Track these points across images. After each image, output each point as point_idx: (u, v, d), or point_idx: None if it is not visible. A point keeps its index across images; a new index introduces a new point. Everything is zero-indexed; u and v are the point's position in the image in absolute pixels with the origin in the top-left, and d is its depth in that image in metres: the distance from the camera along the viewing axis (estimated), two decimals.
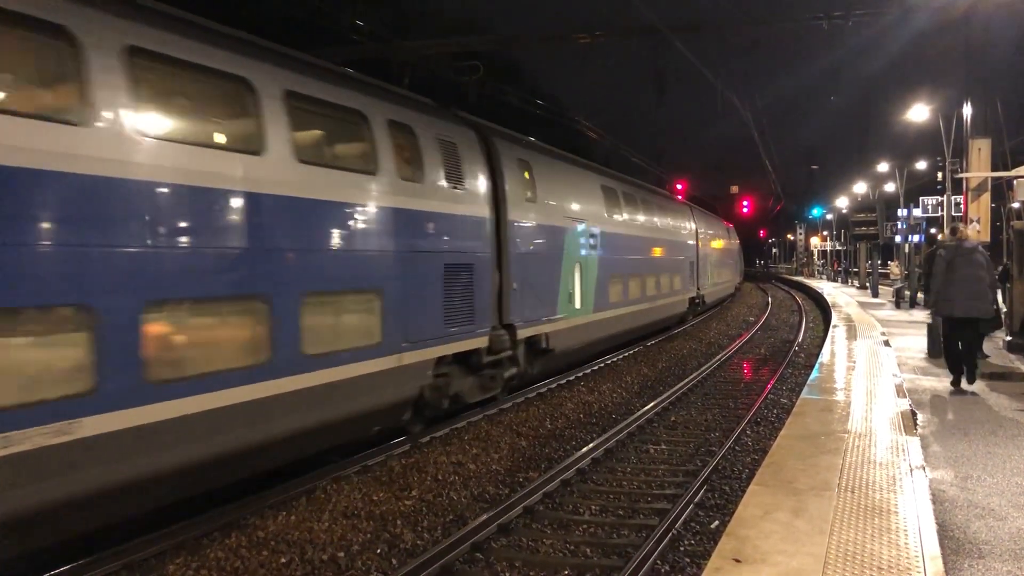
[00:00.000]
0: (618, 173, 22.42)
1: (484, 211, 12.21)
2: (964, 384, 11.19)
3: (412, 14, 40.34)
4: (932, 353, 12.68)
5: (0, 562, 5.94)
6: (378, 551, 7.23)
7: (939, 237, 14.37)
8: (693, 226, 29.60)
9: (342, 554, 7.14)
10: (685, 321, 28.31)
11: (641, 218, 21.67)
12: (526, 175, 13.95)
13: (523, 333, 13.40)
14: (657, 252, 23.25)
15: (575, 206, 16.32)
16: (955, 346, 11.16)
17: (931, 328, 12.67)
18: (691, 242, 28.92)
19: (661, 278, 23.35)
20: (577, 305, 15.92)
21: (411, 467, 9.79)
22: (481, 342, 11.96)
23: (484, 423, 12.26)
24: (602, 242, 17.58)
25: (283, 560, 6.99)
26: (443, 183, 11.12)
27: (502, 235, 12.75)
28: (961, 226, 11.86)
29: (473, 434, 11.57)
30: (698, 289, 29.46)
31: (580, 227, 16.34)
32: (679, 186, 44.91)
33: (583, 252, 16.43)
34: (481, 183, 12.21)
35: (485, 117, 14.60)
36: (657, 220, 23.65)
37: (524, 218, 13.62)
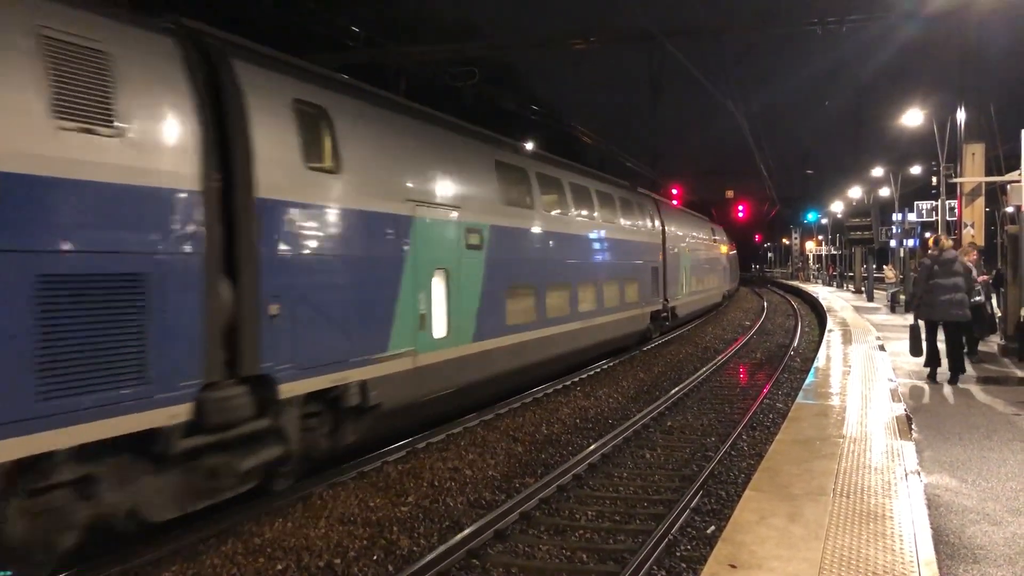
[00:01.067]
0: (542, 152, 17.90)
1: (185, 177, 7.08)
2: (944, 382, 12.19)
3: (407, 19, 40.37)
4: (913, 352, 13.30)
5: (7, 565, 5.90)
6: (374, 557, 7.23)
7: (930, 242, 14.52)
8: (658, 225, 24.47)
9: (338, 560, 7.13)
10: (648, 340, 23.46)
11: (569, 211, 16.80)
12: (317, 129, 9.12)
13: (296, 387, 8.30)
14: (597, 255, 18.46)
15: (440, 187, 11.34)
16: (934, 345, 12.50)
17: (913, 329, 13.34)
18: (654, 244, 23.84)
19: (605, 288, 18.54)
20: (439, 333, 11.13)
21: (407, 473, 9.78)
22: (171, 414, 6.87)
23: (480, 429, 12.26)
24: (495, 241, 12.83)
25: (279, 567, 6.98)
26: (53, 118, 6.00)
27: (241, 223, 7.71)
28: (943, 237, 12.79)
29: (469, 439, 11.56)
30: (665, 300, 24.69)
31: (448, 218, 11.45)
32: (675, 191, 44.85)
33: (453, 255, 11.56)
34: (175, 127, 7.06)
35: (481, 122, 14.60)
36: (598, 215, 18.58)
37: (304, 196, 8.58)
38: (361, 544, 7.50)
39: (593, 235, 18.27)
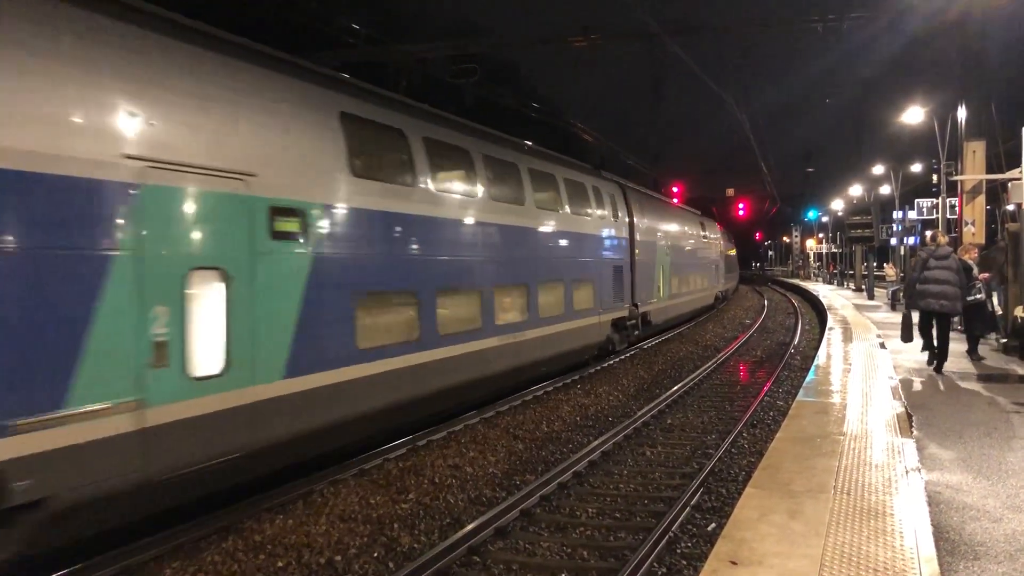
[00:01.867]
0: (436, 111, 12.59)
1: None
2: (932, 369, 12.98)
3: (407, 17, 40.36)
4: (904, 339, 13.94)
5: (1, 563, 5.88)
6: (375, 554, 7.24)
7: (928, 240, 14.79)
8: (623, 216, 20.58)
9: (339, 558, 7.14)
10: (611, 352, 19.83)
11: (480, 192, 12.95)
12: None
13: None
14: (527, 251, 14.55)
15: (211, 140, 7.63)
16: (928, 333, 13.24)
17: (905, 318, 13.90)
18: (618, 238, 19.99)
19: (541, 292, 14.79)
20: (203, 369, 7.26)
21: (408, 470, 9.79)
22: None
23: (481, 426, 12.26)
24: (333, 228, 9.16)
25: (280, 564, 6.99)
26: None
27: None
28: (939, 234, 13.40)
29: (470, 437, 11.57)
30: (634, 305, 20.99)
31: (225, 191, 7.62)
32: (675, 189, 44.78)
33: (238, 248, 7.72)
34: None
35: (481, 120, 14.56)
36: (531, 199, 14.76)
37: None
38: (362, 541, 7.51)
39: (521, 224, 14.19)
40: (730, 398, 14.75)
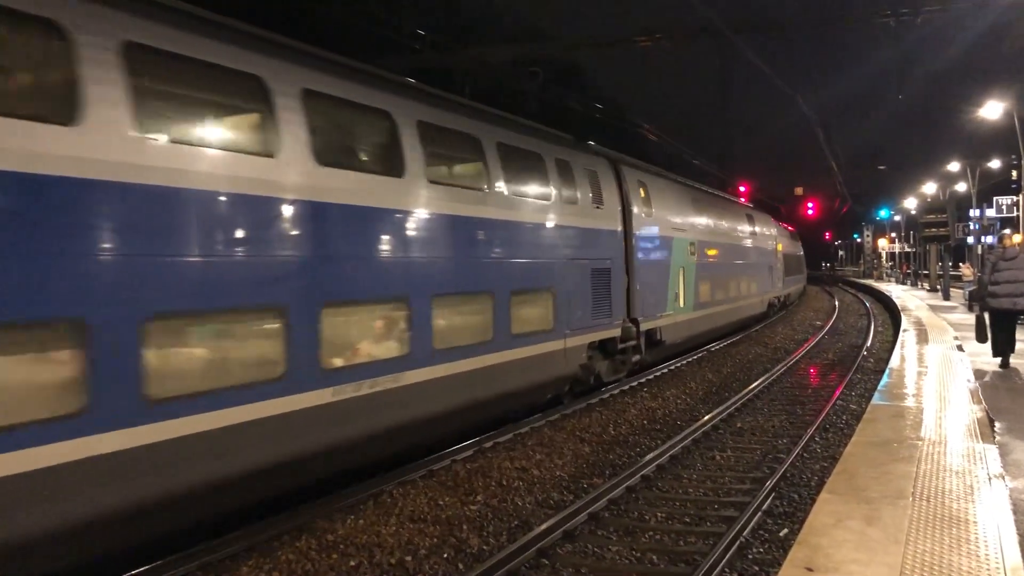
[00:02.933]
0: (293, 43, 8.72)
1: None
2: (999, 365, 13.18)
3: (471, 22, 40.62)
4: (979, 339, 14.07)
5: (84, 560, 6.12)
6: (445, 555, 7.29)
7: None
8: (613, 202, 15.42)
9: (409, 558, 7.22)
10: (595, 388, 14.97)
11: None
12: None
13: None
14: (446, 250, 10.34)
15: None
16: (998, 333, 13.22)
17: (979, 319, 14.18)
18: (606, 231, 14.98)
19: (434, 310, 9.84)
20: None
21: (476, 472, 9.85)
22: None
23: (547, 429, 12.27)
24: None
25: (352, 563, 7.10)
26: None
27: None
28: (1007, 236, 13.88)
29: (536, 440, 11.58)
30: (631, 321, 15.80)
31: None
32: (742, 188, 44.12)
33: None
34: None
35: (545, 122, 14.60)
36: (416, 167, 9.71)
37: None
38: (431, 542, 7.58)
39: (392, 207, 9.30)
40: (801, 401, 14.48)
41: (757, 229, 30.55)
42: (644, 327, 16.47)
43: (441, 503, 8.69)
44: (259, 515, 7.80)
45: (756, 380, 16.40)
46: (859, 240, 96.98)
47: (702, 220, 21.95)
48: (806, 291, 53.42)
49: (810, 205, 62.97)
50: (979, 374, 12.56)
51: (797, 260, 45.41)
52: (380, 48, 20.32)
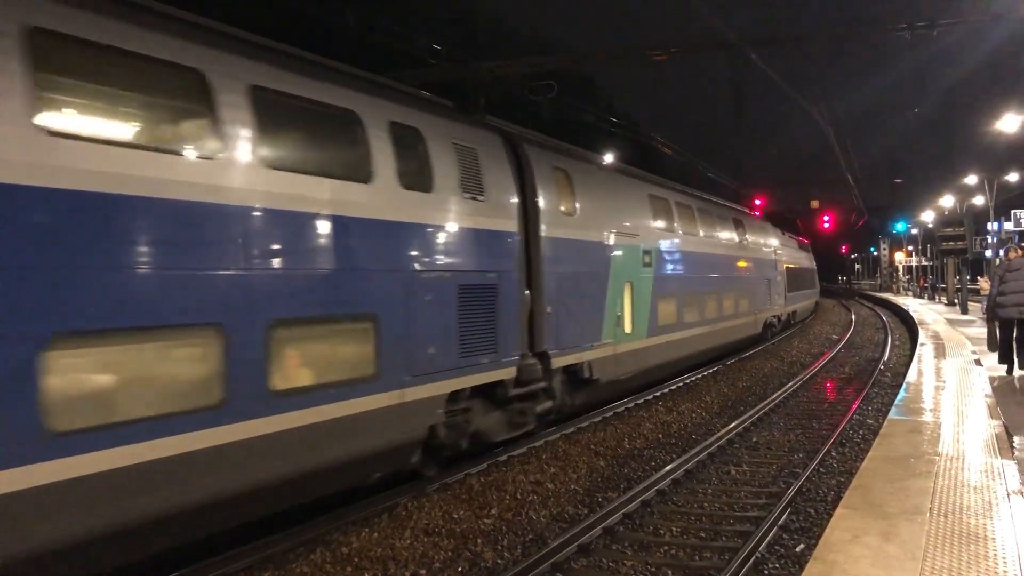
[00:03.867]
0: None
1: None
2: (1015, 372, 13.58)
3: (485, 35, 40.83)
4: (990, 347, 14.98)
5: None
6: (459, 569, 7.29)
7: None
8: (503, 192, 11.39)
9: (424, 571, 7.22)
10: (449, 461, 10.64)
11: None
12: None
13: None
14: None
15: None
16: (1005, 341, 13.73)
17: (990, 331, 15.13)
18: (485, 231, 10.79)
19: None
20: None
21: (490, 485, 9.84)
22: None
23: (562, 442, 12.25)
24: None
25: None
26: None
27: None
28: (1012, 249, 14.63)
29: (551, 453, 11.57)
30: (537, 357, 11.84)
31: None
32: (757, 202, 43.93)
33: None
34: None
35: (559, 136, 14.68)
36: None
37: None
38: (446, 555, 7.58)
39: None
40: (817, 416, 14.39)
41: (749, 238, 26.10)
42: (560, 363, 12.26)
43: (455, 516, 8.69)
44: (274, 528, 7.82)
45: (772, 394, 16.32)
46: (876, 253, 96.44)
47: (664, 223, 17.52)
48: (819, 307, 50.21)
49: (826, 218, 62.73)
50: (992, 383, 12.45)
51: (807, 274, 41.43)
52: (396, 62, 20.45)
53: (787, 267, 32.61)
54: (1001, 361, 13.87)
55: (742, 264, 24.71)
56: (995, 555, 5.09)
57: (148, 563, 6.64)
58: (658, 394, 16.57)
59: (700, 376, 19.40)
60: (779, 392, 16.49)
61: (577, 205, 13.19)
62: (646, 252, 16.03)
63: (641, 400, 15.77)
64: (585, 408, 14.03)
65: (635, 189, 16.83)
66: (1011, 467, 7.38)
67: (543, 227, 11.96)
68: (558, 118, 24.69)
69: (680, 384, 18.00)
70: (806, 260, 42.42)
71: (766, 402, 15.21)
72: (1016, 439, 8.82)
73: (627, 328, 14.86)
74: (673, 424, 13.81)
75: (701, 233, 20.44)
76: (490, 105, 19.16)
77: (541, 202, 11.98)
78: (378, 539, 7.99)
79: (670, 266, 17.60)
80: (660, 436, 12.89)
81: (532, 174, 11.97)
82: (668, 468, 10.31)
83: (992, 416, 9.90)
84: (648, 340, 15.95)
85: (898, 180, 76.53)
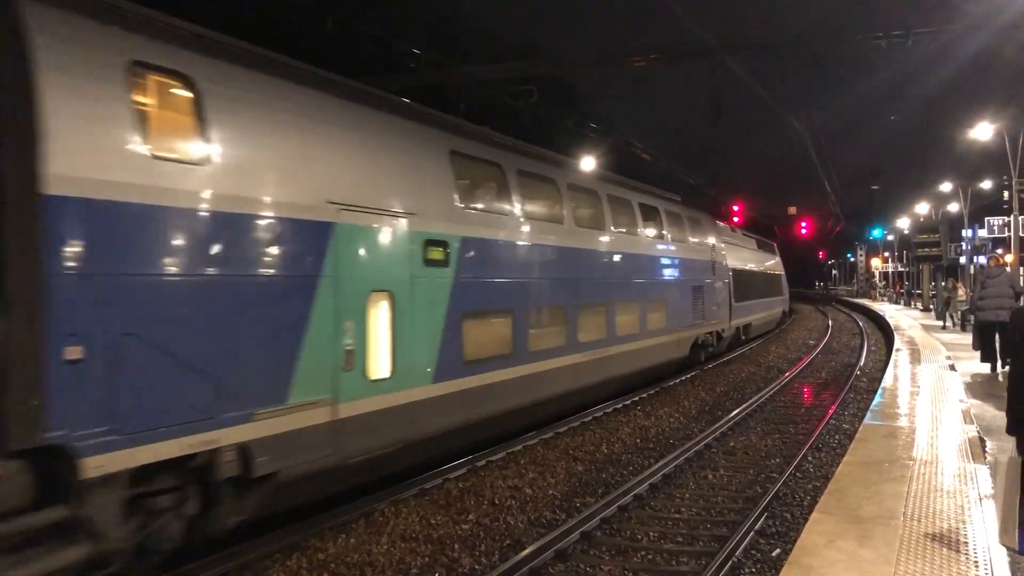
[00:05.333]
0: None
1: None
2: (998, 368, 14.49)
3: (466, 41, 40.84)
4: (974, 346, 16.11)
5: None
6: (436, 574, 7.27)
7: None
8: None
9: None
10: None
11: None
12: None
13: None
14: None
15: None
16: (988, 341, 14.78)
17: (974, 329, 16.51)
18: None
19: None
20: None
21: (468, 490, 9.82)
22: None
23: (540, 447, 12.25)
24: None
25: None
26: None
27: None
28: (993, 257, 16.31)
29: (529, 458, 11.56)
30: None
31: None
32: (735, 207, 44.11)
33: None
34: None
35: (539, 142, 14.67)
36: None
37: None
38: (423, 561, 7.55)
39: None
40: (794, 421, 14.48)
41: (670, 232, 19.78)
42: (109, 465, 6.05)
43: (433, 522, 8.67)
44: (251, 534, 7.76)
45: (750, 399, 16.40)
46: (852, 259, 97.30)
47: (488, 201, 12.23)
48: (788, 318, 44.23)
49: (803, 224, 63.19)
50: (971, 394, 12.59)
51: (768, 279, 35.63)
52: (375, 67, 20.40)
53: (736, 270, 26.57)
54: (984, 360, 15.04)
55: (652, 266, 18.46)
56: (967, 558, 5.15)
57: (132, 566, 6.57)
58: (636, 399, 16.61)
59: (678, 380, 19.46)
60: (756, 397, 16.58)
61: (213, 145, 7.22)
62: (435, 243, 10.07)
63: (620, 405, 15.80)
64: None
65: (417, 140, 10.52)
66: (984, 471, 7.46)
67: (64, 171, 5.91)
68: (538, 123, 24.75)
69: (658, 388, 18.05)
70: (769, 263, 37.24)
71: (743, 407, 15.28)
72: (989, 443, 8.93)
73: (375, 371, 8.98)
74: (651, 428, 13.85)
75: (569, 220, 14.21)
76: (470, 109, 19.16)
77: (68, 122, 6.02)
78: (355, 545, 7.95)
79: (499, 267, 11.86)
80: (638, 440, 12.91)
81: (47, 61, 5.98)
82: (645, 473, 10.34)
83: (966, 421, 10.01)
84: (436, 386, 9.94)
85: (875, 187, 77.28)
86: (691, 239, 21.67)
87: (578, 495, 9.79)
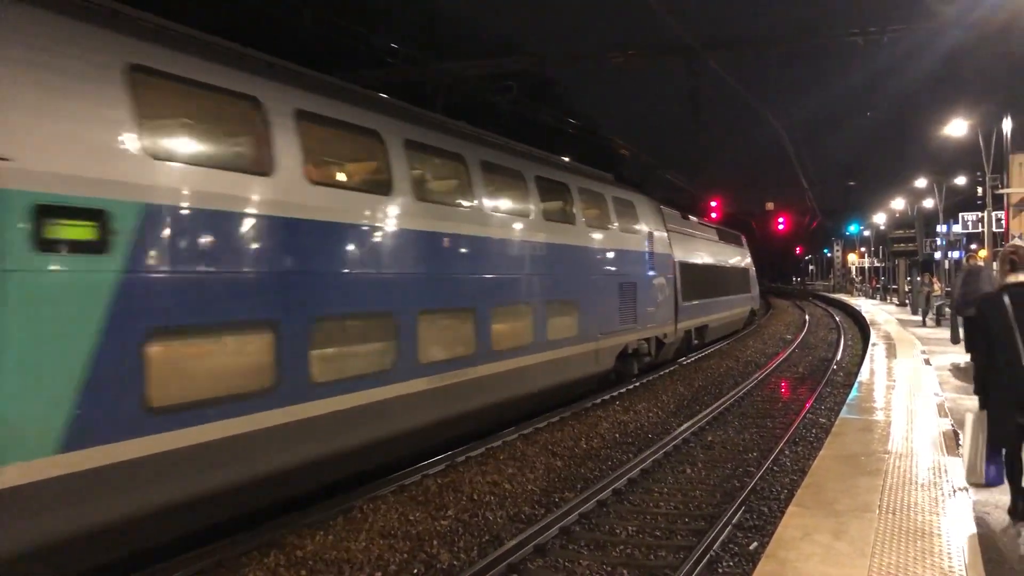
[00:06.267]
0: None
1: None
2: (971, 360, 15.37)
3: (445, 36, 40.74)
4: (953, 340, 17.30)
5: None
6: (415, 571, 7.25)
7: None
8: None
9: (379, 574, 7.18)
10: None
11: None
12: None
13: None
14: None
15: None
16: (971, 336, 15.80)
17: (953, 323, 17.47)
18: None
19: None
20: None
21: (447, 486, 9.81)
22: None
23: (519, 443, 12.25)
24: None
25: None
26: None
27: None
28: (972, 255, 17.00)
29: (508, 453, 11.56)
30: None
31: None
32: (713, 203, 44.31)
33: None
34: None
35: (518, 137, 14.63)
36: None
37: None
38: (402, 558, 7.53)
39: None
40: (771, 415, 14.58)
41: (586, 215, 15.51)
42: None
43: (412, 518, 8.65)
44: (228, 531, 7.71)
45: (727, 394, 16.49)
46: (829, 255, 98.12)
47: (209, 138, 7.87)
48: (758, 317, 40.45)
49: (781, 220, 63.63)
50: (946, 387, 12.72)
51: (731, 275, 31.67)
52: (353, 62, 20.32)
53: (686, 264, 22.88)
54: (968, 350, 15.63)
55: (555, 258, 13.84)
56: (941, 551, 5.20)
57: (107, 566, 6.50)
58: (615, 394, 16.66)
59: (657, 375, 19.53)
60: (734, 391, 16.67)
61: None
62: (69, 213, 6.03)
63: (599, 400, 15.83)
64: None
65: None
66: (957, 464, 7.54)
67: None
68: (518, 119, 24.74)
69: (637, 384, 18.11)
70: (733, 257, 33.26)
71: (721, 401, 15.37)
72: (963, 436, 9.02)
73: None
74: (630, 424, 13.89)
75: (403, 190, 9.84)
76: (450, 105, 19.12)
77: None
78: (333, 542, 7.91)
79: (236, 254, 7.51)
80: (617, 435, 12.95)
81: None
82: (624, 468, 10.37)
83: (940, 414, 10.12)
84: (68, 458, 5.91)
85: (852, 183, 77.97)
86: (619, 225, 17.17)
87: (557, 490, 9.80)
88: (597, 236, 15.91)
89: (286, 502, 8.43)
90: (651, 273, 18.87)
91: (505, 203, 12.83)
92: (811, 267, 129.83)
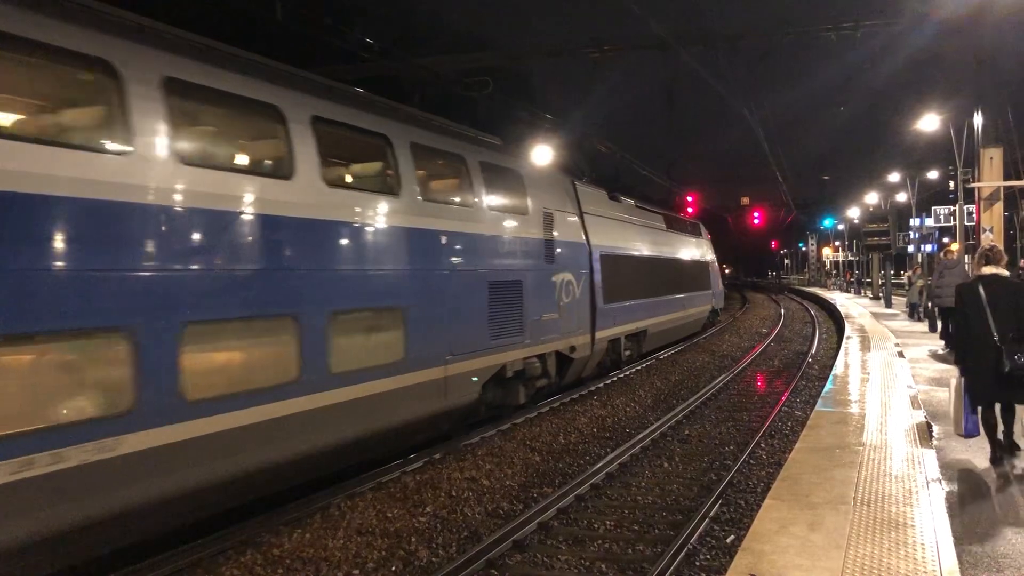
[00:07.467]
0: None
1: None
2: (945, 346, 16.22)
3: (420, 31, 40.59)
4: (932, 328, 18.91)
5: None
6: (393, 568, 7.23)
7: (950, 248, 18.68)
8: None
9: (357, 572, 7.15)
10: None
11: None
12: None
13: None
14: None
15: None
16: (947, 324, 16.15)
17: (930, 314, 19.00)
18: None
19: None
20: None
21: (425, 483, 9.79)
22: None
23: (498, 438, 12.26)
24: None
25: None
26: None
27: None
28: (950, 248, 18.05)
29: (487, 449, 11.56)
30: None
31: None
32: (689, 198, 44.40)
33: None
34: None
35: (494, 131, 14.60)
36: None
37: None
38: (380, 555, 7.51)
39: None
40: (747, 408, 14.67)
41: (438, 189, 12.07)
42: None
43: (390, 515, 8.62)
44: (205, 530, 7.66)
45: (703, 387, 16.58)
46: (804, 249, 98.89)
47: None
48: (719, 318, 35.56)
49: (756, 214, 63.94)
50: (919, 380, 12.85)
51: (689, 270, 27.95)
52: (327, 57, 20.18)
53: (612, 256, 18.28)
54: (942, 337, 17.04)
55: (382, 248, 9.91)
56: (914, 541, 5.25)
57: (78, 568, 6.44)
58: (592, 388, 16.69)
59: (634, 370, 19.60)
60: (710, 385, 16.77)
61: None
62: None
63: (576, 395, 15.86)
64: None
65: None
66: (930, 455, 7.63)
67: None
68: (494, 115, 24.67)
69: (614, 379, 18.16)
70: (687, 248, 28.42)
71: (698, 395, 15.45)
72: (935, 428, 9.12)
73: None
74: (607, 418, 13.93)
75: (143, 151, 6.66)
76: (426, 101, 19.05)
77: None
78: (310, 540, 7.88)
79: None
80: (595, 430, 12.98)
81: None
82: (602, 462, 10.40)
83: (914, 407, 10.22)
84: None
85: (826, 177, 78.42)
86: (492, 202, 12.64)
87: (535, 485, 9.81)
88: (445, 215, 11.28)
89: (262, 501, 8.39)
90: (548, 267, 14.33)
91: (295, 168, 8.33)
92: (786, 261, 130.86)
